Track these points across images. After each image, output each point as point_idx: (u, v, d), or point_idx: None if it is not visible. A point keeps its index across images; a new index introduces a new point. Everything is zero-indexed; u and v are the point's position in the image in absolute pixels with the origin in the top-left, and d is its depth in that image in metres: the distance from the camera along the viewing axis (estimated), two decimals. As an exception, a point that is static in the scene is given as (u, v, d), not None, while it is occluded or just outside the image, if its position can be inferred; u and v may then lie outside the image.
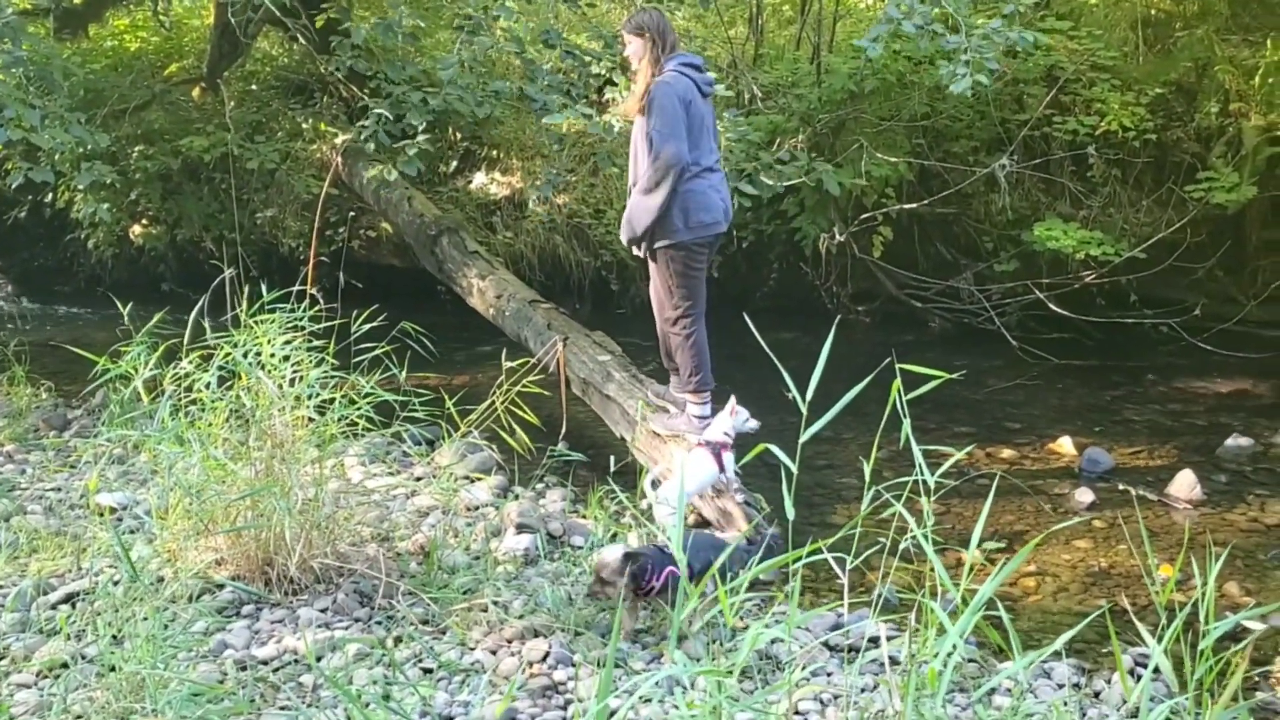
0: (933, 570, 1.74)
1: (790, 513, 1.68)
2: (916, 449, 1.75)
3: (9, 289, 10.44)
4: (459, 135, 9.73)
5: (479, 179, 9.88)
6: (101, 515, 4.12)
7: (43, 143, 5.77)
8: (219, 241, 9.43)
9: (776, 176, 6.84)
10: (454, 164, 10.01)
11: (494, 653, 3.29)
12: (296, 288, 4.19)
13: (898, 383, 1.79)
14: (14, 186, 6.95)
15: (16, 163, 7.27)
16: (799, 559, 1.65)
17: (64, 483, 4.74)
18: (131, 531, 3.93)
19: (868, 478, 1.82)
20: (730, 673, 1.49)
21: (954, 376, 1.86)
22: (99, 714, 2.62)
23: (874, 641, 3.22)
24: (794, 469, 1.69)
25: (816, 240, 7.97)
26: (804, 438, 1.72)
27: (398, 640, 3.34)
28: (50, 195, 9.51)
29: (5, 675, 2.93)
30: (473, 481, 4.93)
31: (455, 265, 7.61)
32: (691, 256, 4.74)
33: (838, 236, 7.66)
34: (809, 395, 1.69)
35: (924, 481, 1.76)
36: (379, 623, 3.47)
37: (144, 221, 9.94)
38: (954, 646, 1.51)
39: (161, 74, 10.06)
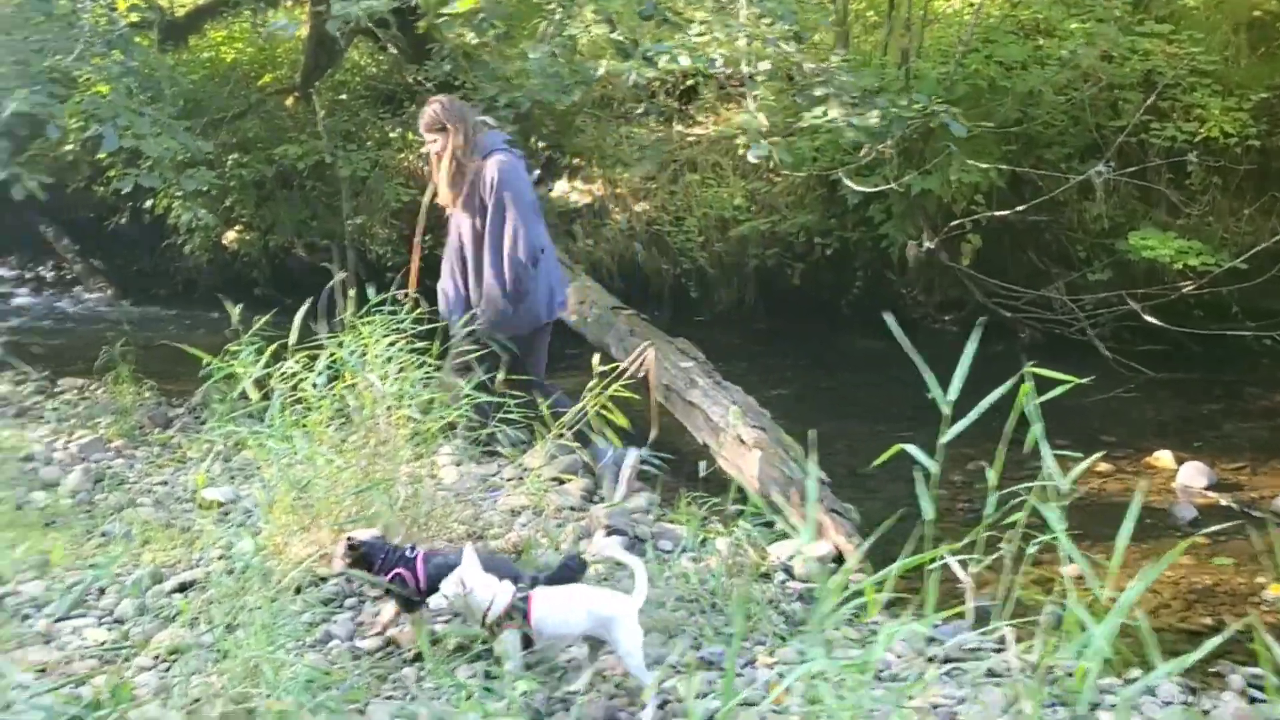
0: (1046, 579, 1.72)
1: (929, 513, 1.68)
2: (1047, 452, 1.74)
3: (111, 292, 10.79)
4: (542, 144, 9.84)
5: (560, 187, 9.98)
6: (208, 509, 4.25)
7: (151, 150, 5.97)
8: (310, 248, 9.67)
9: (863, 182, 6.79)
10: (536, 172, 10.13)
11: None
12: (397, 291, 4.30)
13: (1028, 386, 1.77)
14: (123, 192, 7.19)
15: (120, 169, 7.53)
16: (933, 559, 1.65)
17: (170, 477, 4.90)
18: (238, 525, 4.05)
19: (992, 482, 1.80)
20: (868, 668, 1.49)
21: (1084, 381, 1.84)
22: (216, 698, 2.70)
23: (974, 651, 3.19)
24: (934, 468, 1.68)
25: (904, 247, 7.89)
26: (945, 438, 1.71)
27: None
28: (150, 202, 9.82)
29: (129, 658, 3.05)
30: (561, 483, 4.97)
31: (539, 271, 7.67)
32: None
33: (926, 244, 7.57)
34: (953, 396, 1.68)
35: (1054, 487, 1.74)
36: (478, 619, 3.52)
37: (239, 228, 10.21)
38: (1089, 653, 1.49)
39: (256, 84, 10.34)
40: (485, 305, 4.80)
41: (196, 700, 2.75)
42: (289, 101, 10.14)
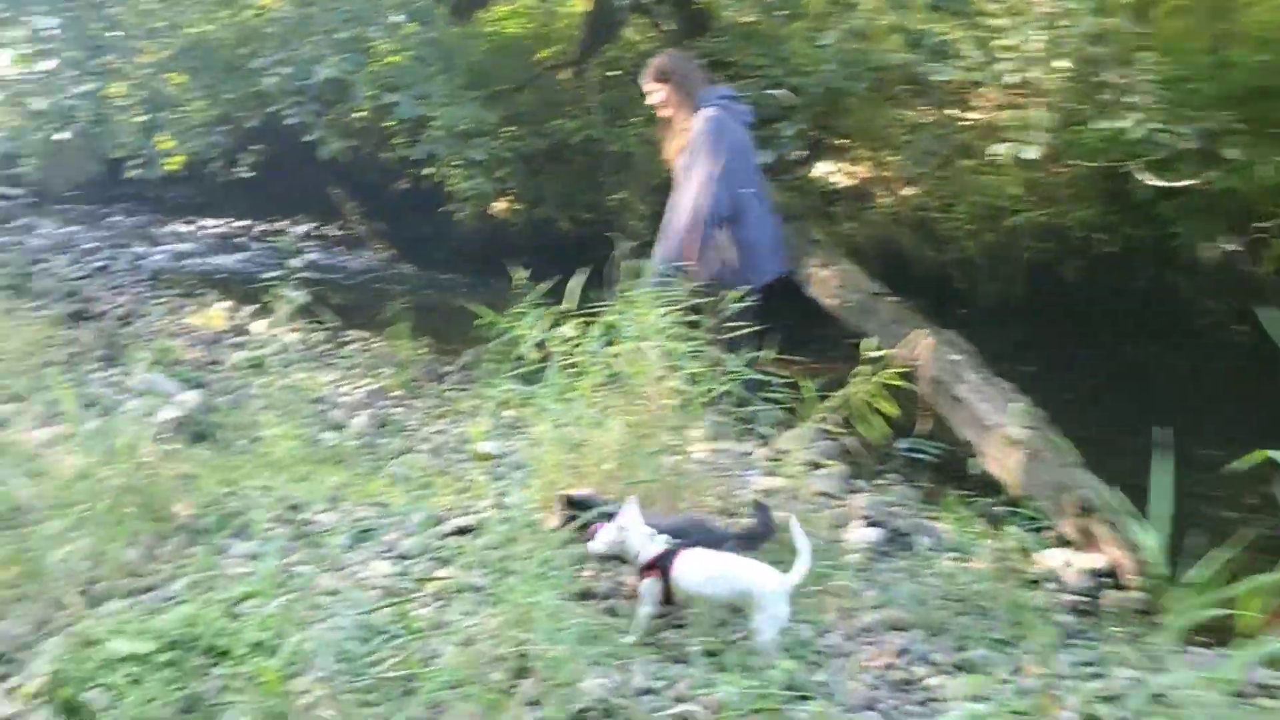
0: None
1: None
2: None
3: (390, 254, 11.52)
4: (810, 124, 9.68)
5: (822, 168, 9.79)
6: (482, 460, 4.47)
7: (444, 119, 6.31)
8: (574, 220, 9.95)
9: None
10: (800, 152, 9.96)
11: (849, 639, 3.25)
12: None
13: None
14: (410, 159, 7.64)
15: (405, 137, 8.00)
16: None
17: (446, 428, 5.18)
18: (509, 478, 4.23)
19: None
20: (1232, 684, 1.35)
21: None
22: (489, 639, 2.82)
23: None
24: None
25: (1197, 249, 7.25)
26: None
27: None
28: (429, 170, 10.37)
29: (411, 593, 3.23)
30: (817, 468, 4.90)
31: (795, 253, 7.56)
32: None
33: (1225, 246, 6.91)
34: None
35: None
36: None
37: (508, 198, 10.64)
38: None
39: (533, 59, 10.70)
40: (664, 253, 4.77)
41: (468, 640, 2.88)
42: (562, 76, 10.45)
